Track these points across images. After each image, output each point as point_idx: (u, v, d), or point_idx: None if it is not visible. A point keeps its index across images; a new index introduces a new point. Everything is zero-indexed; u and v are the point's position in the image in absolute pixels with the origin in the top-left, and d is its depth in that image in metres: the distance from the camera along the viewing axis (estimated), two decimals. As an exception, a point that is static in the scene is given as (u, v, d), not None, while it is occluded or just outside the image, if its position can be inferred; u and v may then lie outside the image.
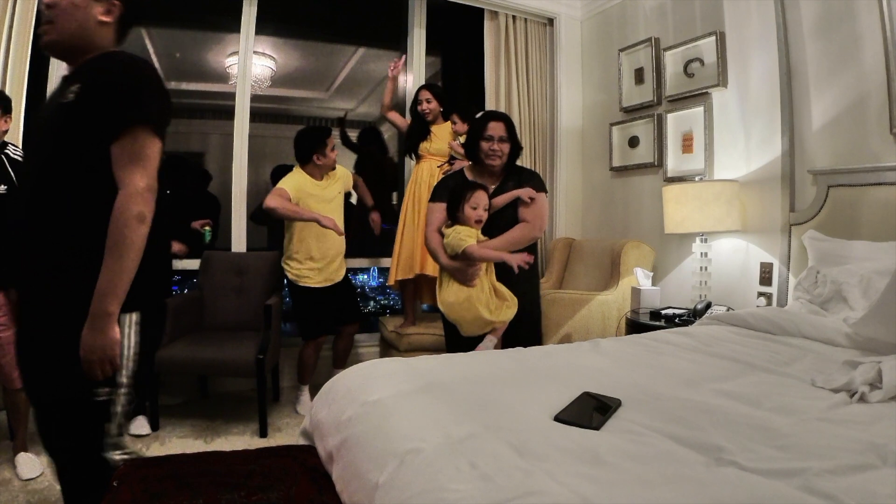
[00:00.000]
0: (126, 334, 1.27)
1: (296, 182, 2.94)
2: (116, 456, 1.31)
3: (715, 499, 0.82)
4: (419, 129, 3.35)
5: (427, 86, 3.40)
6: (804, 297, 2.28)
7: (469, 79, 4.09)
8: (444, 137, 3.33)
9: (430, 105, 3.31)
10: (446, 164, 3.28)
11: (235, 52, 3.55)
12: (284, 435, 2.68)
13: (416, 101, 3.35)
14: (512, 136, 2.34)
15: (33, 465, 2.20)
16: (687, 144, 3.16)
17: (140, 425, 2.68)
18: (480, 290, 2.17)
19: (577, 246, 3.63)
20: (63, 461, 1.31)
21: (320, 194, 3.02)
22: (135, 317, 1.29)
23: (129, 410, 1.33)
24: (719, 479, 0.88)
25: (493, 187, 2.35)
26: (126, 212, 1.18)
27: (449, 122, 3.34)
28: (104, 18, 1.30)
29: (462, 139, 3.26)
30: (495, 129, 2.29)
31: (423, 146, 3.32)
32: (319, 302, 3.03)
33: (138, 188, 1.20)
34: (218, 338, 2.88)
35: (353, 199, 3.53)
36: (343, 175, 3.20)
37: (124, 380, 1.28)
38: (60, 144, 1.24)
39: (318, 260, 2.99)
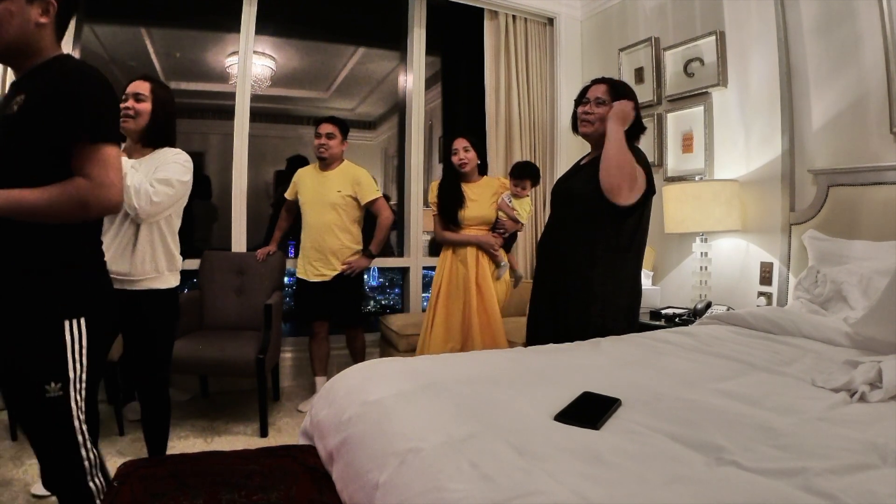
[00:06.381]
0: (73, 337, 1.28)
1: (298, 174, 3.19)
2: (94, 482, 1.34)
3: (715, 498, 0.82)
4: (453, 193, 2.86)
5: (464, 133, 2.92)
6: (804, 296, 2.28)
7: (469, 79, 4.09)
8: (483, 198, 2.86)
9: (469, 154, 2.84)
10: (499, 243, 2.80)
11: (235, 52, 3.55)
12: (284, 435, 2.68)
13: (451, 151, 2.89)
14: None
15: None
16: (687, 144, 3.16)
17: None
18: None
19: (577, 246, 3.62)
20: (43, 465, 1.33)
21: (316, 188, 3.06)
22: (82, 321, 1.30)
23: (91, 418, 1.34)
24: (719, 479, 0.88)
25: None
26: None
27: (486, 177, 2.94)
28: (42, 20, 1.25)
29: (520, 201, 2.85)
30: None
31: (461, 215, 2.84)
32: (304, 293, 3.12)
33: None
34: (218, 337, 2.88)
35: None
36: (348, 175, 3.04)
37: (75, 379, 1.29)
38: (6, 157, 1.23)
39: (306, 251, 3.10)
